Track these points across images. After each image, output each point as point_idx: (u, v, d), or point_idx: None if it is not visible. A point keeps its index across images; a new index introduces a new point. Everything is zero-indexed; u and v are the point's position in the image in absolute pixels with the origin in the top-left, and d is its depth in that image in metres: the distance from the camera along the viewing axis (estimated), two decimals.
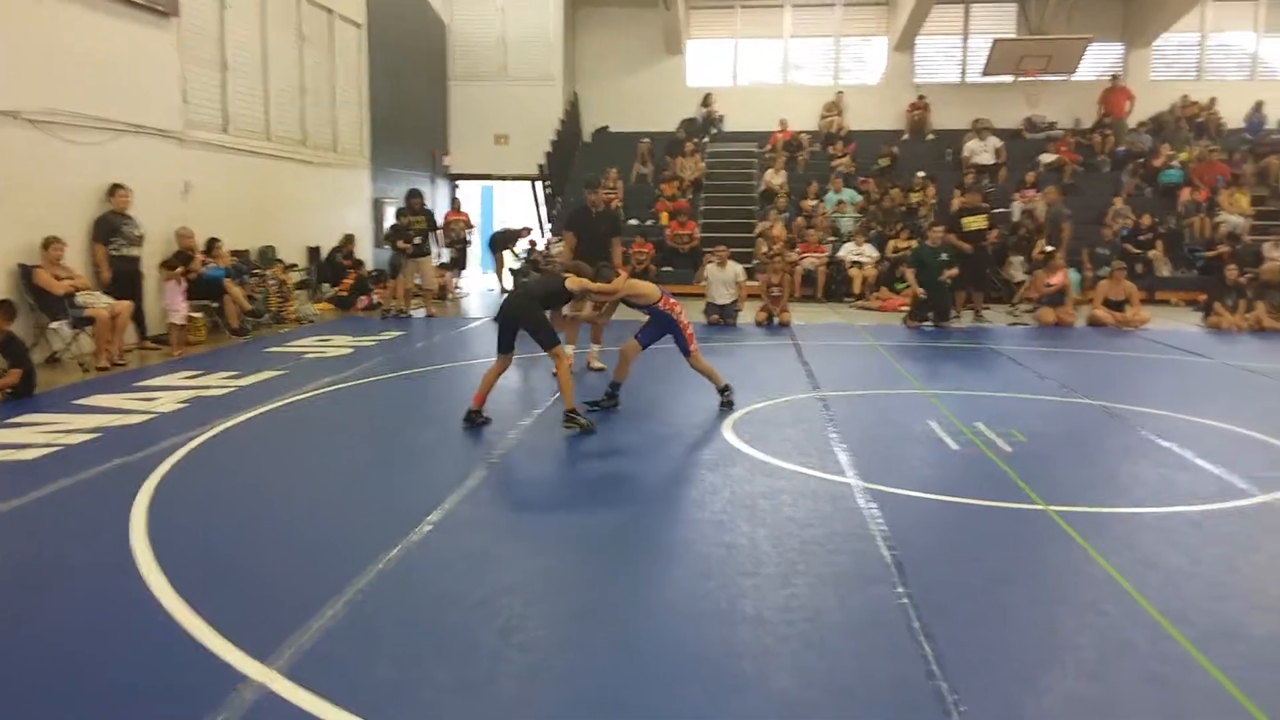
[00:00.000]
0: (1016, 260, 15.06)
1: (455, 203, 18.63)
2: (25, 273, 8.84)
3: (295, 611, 3.50)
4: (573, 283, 6.70)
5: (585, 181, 9.70)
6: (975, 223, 13.22)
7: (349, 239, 14.86)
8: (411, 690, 3.00)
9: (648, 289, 7.13)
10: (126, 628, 3.46)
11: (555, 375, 6.79)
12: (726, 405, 7.20)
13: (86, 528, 4.61)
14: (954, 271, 12.51)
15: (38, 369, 7.96)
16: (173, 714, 2.82)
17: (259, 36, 13.08)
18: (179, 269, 10.09)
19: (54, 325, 9.01)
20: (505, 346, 6.67)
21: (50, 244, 8.90)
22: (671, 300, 7.12)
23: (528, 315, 6.52)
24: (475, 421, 6.54)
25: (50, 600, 3.74)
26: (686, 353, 7.20)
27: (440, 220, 16.66)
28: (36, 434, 6.29)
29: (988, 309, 13.48)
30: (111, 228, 9.86)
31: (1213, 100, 19.89)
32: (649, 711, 2.89)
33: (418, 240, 13.21)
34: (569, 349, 8.74)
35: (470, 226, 18.14)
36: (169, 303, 9.99)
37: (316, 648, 3.25)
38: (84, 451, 5.91)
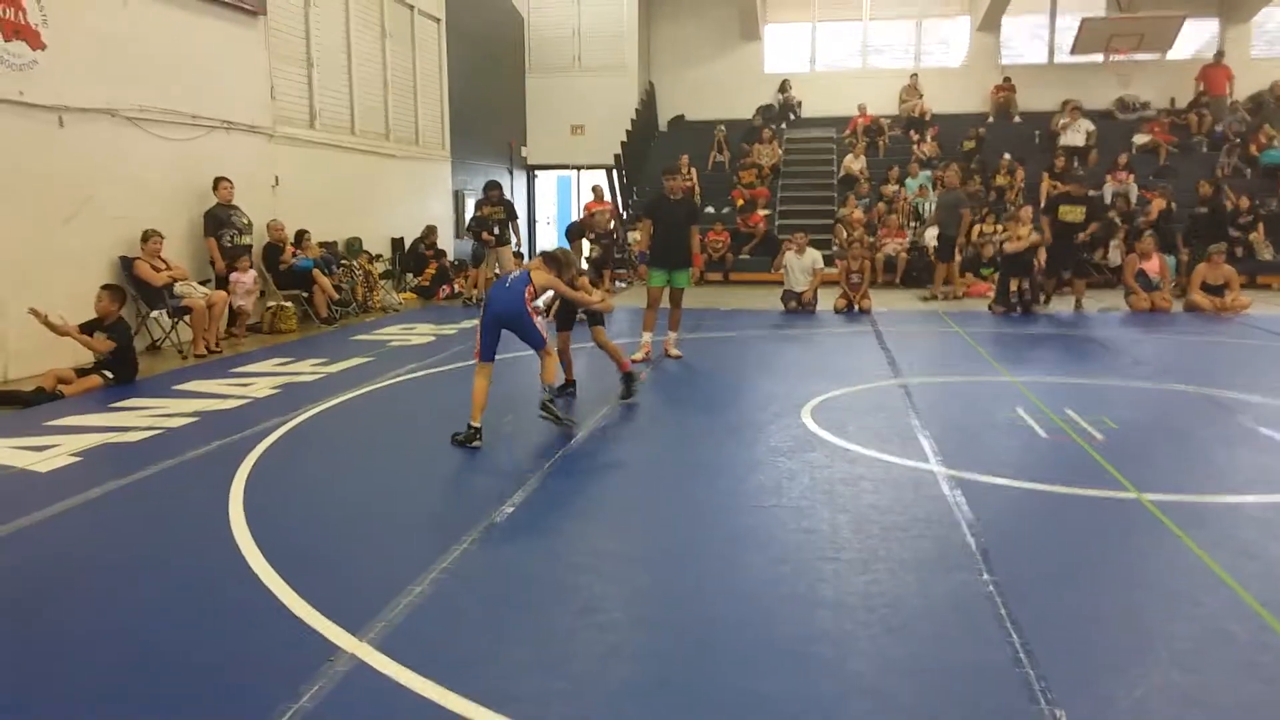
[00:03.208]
0: (1113, 244, 14.54)
1: (597, 191, 16.19)
2: (126, 264, 9.23)
3: (384, 588, 3.60)
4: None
5: (663, 168, 9.65)
6: (1072, 214, 12.44)
7: (431, 230, 15.13)
8: (493, 665, 3.06)
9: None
10: (227, 601, 3.61)
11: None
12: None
13: (188, 506, 4.81)
14: (1041, 253, 12.20)
15: (139, 357, 8.31)
16: (270, 683, 2.93)
17: (343, 33, 13.39)
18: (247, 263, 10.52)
19: (153, 315, 9.40)
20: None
21: (149, 237, 9.27)
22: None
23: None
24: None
25: (154, 574, 3.92)
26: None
27: (580, 214, 14.77)
28: (139, 418, 6.58)
29: (1087, 297, 13.01)
30: (220, 220, 10.29)
31: None
32: (724, 693, 2.90)
33: (497, 230, 13.41)
34: (646, 336, 8.81)
35: (619, 217, 14.59)
36: (239, 293, 10.35)
37: (405, 623, 3.34)
38: (184, 434, 6.16)
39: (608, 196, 17.11)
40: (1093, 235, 12.94)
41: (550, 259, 6.45)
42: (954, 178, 14.33)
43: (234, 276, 10.33)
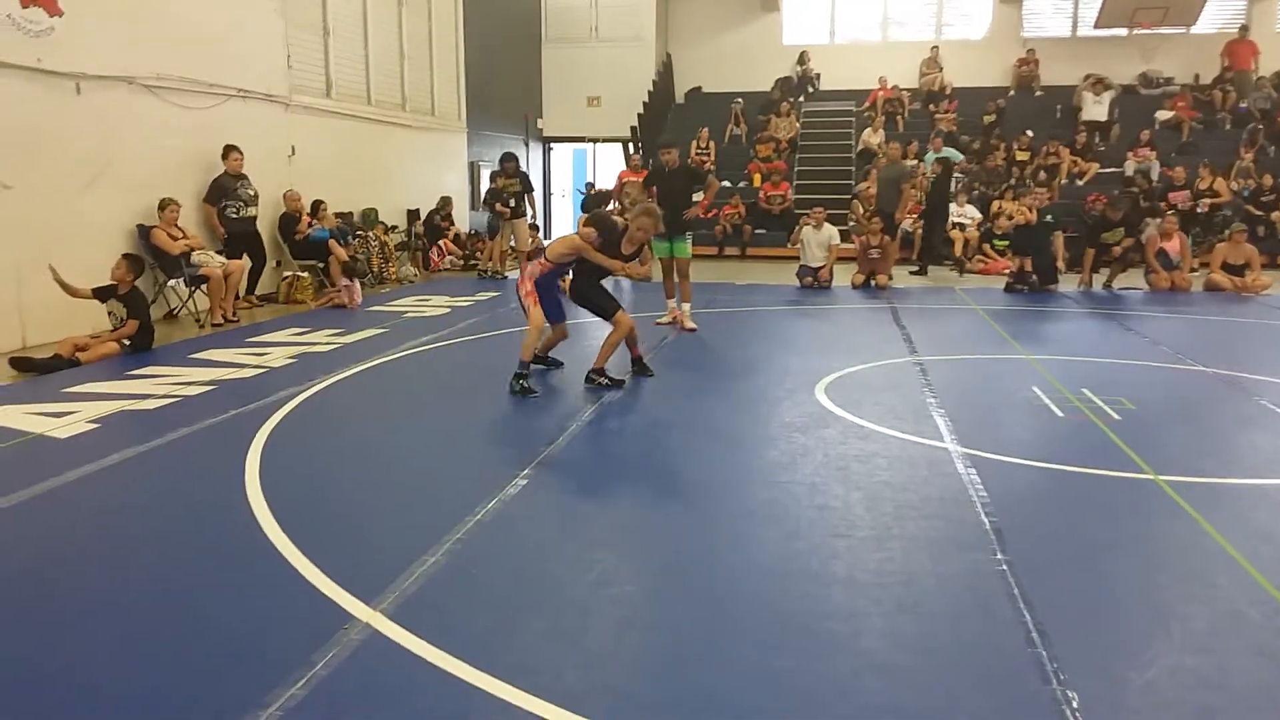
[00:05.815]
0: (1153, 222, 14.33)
1: (631, 161, 15.33)
2: (143, 233, 9.25)
3: (398, 558, 3.63)
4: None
5: (659, 142, 9.90)
6: (1114, 237, 12.33)
7: (446, 201, 15.10)
8: (507, 637, 3.08)
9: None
10: (242, 568, 3.64)
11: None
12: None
13: (205, 474, 4.85)
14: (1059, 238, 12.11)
15: (156, 325, 8.35)
16: (285, 650, 2.96)
17: (360, 1, 13.30)
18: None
19: (171, 283, 9.43)
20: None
21: (166, 205, 9.29)
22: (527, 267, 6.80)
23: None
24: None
25: (171, 542, 3.96)
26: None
27: (614, 183, 14.32)
28: (156, 385, 6.62)
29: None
30: (224, 190, 10.24)
31: None
32: (737, 667, 2.91)
33: (513, 203, 13.35)
34: (670, 302, 9.21)
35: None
36: (346, 296, 10.64)
37: (419, 593, 3.36)
38: (201, 402, 6.20)
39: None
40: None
41: (598, 220, 6.94)
42: (896, 152, 14.08)
43: (347, 283, 10.65)
